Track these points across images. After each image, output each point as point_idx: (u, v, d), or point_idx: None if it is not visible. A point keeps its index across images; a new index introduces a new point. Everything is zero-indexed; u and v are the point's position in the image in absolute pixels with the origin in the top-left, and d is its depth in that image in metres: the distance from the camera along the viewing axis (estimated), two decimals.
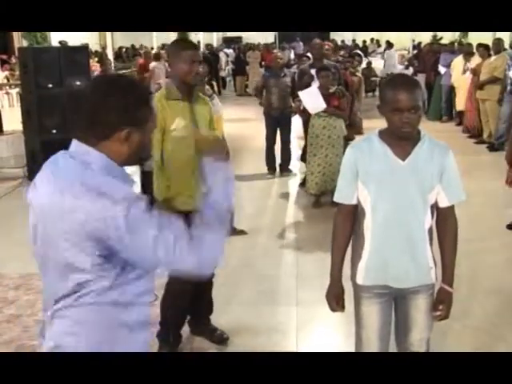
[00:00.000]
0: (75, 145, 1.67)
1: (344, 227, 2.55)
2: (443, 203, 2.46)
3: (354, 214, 2.52)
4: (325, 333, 3.87)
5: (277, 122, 7.75)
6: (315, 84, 6.68)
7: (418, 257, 2.46)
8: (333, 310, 2.65)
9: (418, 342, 2.58)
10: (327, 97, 6.34)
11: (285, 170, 8.04)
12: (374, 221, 2.43)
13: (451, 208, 2.49)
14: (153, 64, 12.76)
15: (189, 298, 3.53)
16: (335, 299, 2.62)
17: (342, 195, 2.52)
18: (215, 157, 1.88)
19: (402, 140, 2.35)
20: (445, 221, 2.51)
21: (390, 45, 17.06)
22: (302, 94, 6.51)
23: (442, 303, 2.53)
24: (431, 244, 2.50)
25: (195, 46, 3.37)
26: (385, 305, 2.54)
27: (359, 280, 2.53)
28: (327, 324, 3.88)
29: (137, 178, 2.46)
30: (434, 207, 2.47)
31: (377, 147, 2.40)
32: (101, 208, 1.53)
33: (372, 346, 2.56)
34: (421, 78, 11.76)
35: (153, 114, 1.74)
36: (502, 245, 5.37)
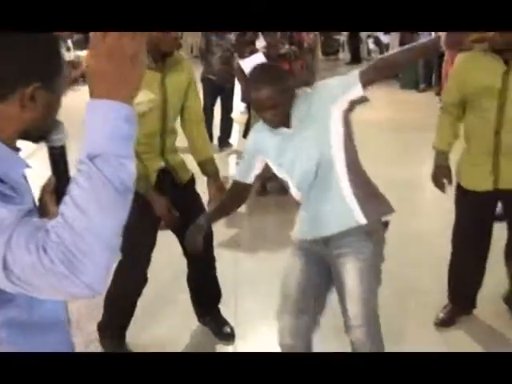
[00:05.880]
0: None
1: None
2: None
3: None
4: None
5: (218, 90, 7.76)
6: (260, 42, 6.67)
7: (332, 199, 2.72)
8: None
9: (354, 319, 2.59)
10: (276, 60, 6.28)
11: (224, 143, 8.18)
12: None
13: None
14: None
15: (140, 289, 3.57)
16: None
17: None
18: None
19: None
20: None
21: None
22: (243, 63, 6.40)
23: None
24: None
25: None
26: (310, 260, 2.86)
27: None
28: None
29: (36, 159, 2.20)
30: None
31: None
32: None
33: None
34: (394, 38, 11.89)
35: (64, 64, 1.53)
36: None
